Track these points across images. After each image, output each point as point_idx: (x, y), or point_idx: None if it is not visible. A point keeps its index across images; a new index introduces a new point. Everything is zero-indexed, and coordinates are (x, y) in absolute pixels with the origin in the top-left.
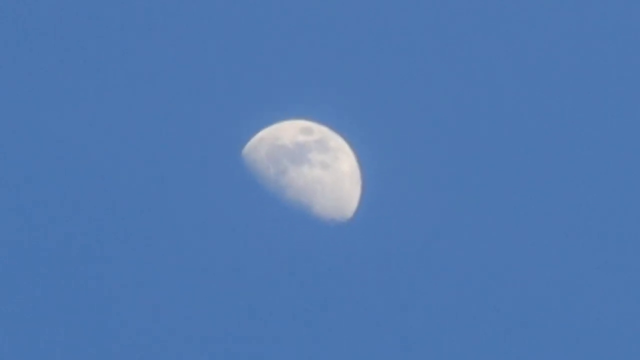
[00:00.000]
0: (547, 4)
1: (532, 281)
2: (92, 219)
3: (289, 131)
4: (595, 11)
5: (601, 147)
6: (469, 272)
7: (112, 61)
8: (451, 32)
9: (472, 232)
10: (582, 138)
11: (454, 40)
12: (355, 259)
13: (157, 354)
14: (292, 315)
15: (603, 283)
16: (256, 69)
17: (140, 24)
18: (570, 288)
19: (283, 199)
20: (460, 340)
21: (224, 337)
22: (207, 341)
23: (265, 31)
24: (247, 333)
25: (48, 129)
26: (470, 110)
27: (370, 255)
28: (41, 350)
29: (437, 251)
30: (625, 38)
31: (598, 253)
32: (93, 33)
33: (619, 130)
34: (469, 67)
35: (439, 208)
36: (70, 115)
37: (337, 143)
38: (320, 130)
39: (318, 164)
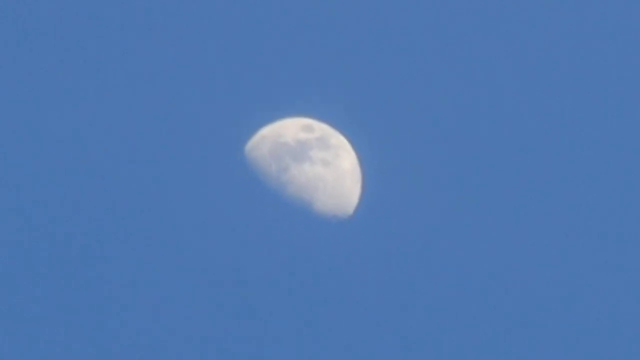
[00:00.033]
0: (547, 4)
1: (531, 276)
2: (93, 217)
3: (290, 129)
4: (595, 11)
5: (601, 147)
6: (468, 269)
7: (113, 60)
8: (451, 31)
9: (471, 230)
10: (581, 138)
11: (453, 39)
12: (356, 255)
13: (157, 354)
14: (293, 311)
15: (603, 283)
16: (258, 67)
17: (141, 23)
18: (569, 288)
19: (285, 195)
20: (459, 337)
21: (225, 332)
22: (207, 335)
23: (267, 30)
24: (248, 329)
25: (48, 129)
26: (470, 109)
27: (370, 251)
28: (41, 350)
29: (437, 248)
30: (625, 38)
31: (598, 253)
32: (93, 33)
33: (619, 130)
34: (469, 66)
35: (439, 205)
36: (70, 115)
37: (338, 141)
38: (321, 128)
39: (319, 161)
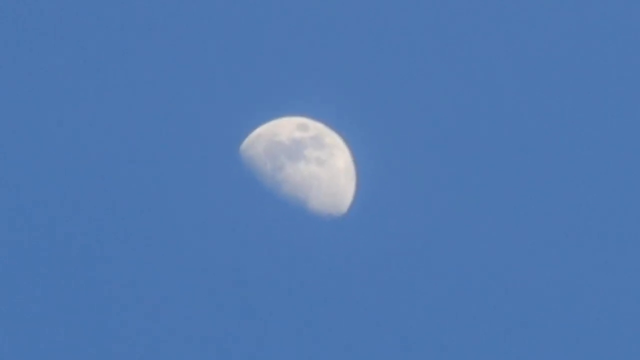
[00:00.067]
0: (547, 4)
1: (526, 274)
2: (90, 217)
3: (285, 127)
4: (596, 11)
5: (600, 147)
6: (462, 268)
7: (110, 60)
8: (446, 30)
9: (465, 228)
10: (577, 139)
11: (448, 38)
12: (350, 253)
13: (157, 354)
14: (288, 309)
15: (603, 283)
16: (254, 67)
17: (138, 23)
18: (569, 287)
19: (280, 194)
20: (453, 336)
21: (222, 332)
22: (206, 335)
23: (263, 29)
24: (244, 328)
25: (48, 129)
26: (464, 109)
27: (364, 250)
28: (41, 350)
29: (431, 246)
30: (626, 38)
31: (598, 253)
32: (92, 33)
33: (619, 130)
34: (464, 65)
35: (433, 204)
36: (69, 115)
37: (333, 140)
38: (316, 127)
39: (314, 160)
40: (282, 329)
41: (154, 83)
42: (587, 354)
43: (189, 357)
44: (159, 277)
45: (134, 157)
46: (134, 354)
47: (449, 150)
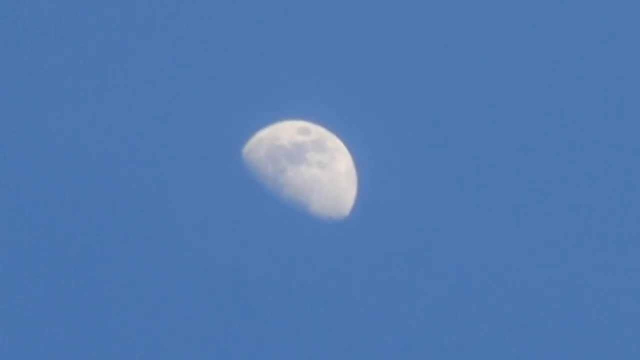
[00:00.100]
0: (547, 4)
1: (527, 276)
2: (91, 218)
3: (287, 131)
4: (595, 11)
5: (600, 147)
6: (463, 270)
7: (111, 61)
8: (446, 32)
9: (467, 231)
10: (577, 139)
11: (448, 40)
12: (352, 256)
13: (157, 354)
14: (289, 311)
15: (603, 283)
16: (256, 70)
17: (139, 24)
18: (569, 287)
19: (281, 197)
20: (455, 338)
21: (222, 334)
22: (206, 335)
23: (264, 32)
24: (246, 330)
25: (48, 129)
26: (465, 111)
27: (366, 253)
28: (41, 350)
29: (432, 249)
30: (626, 38)
31: (598, 253)
32: (92, 33)
33: (619, 130)
34: (464, 68)
35: (434, 207)
36: (69, 115)
37: (334, 143)
38: (317, 131)
39: (315, 163)
40: (284, 332)
41: (156, 86)
42: (587, 354)
43: (189, 357)
44: (161, 280)
45: (136, 159)
46: (134, 354)
47: (450, 154)
